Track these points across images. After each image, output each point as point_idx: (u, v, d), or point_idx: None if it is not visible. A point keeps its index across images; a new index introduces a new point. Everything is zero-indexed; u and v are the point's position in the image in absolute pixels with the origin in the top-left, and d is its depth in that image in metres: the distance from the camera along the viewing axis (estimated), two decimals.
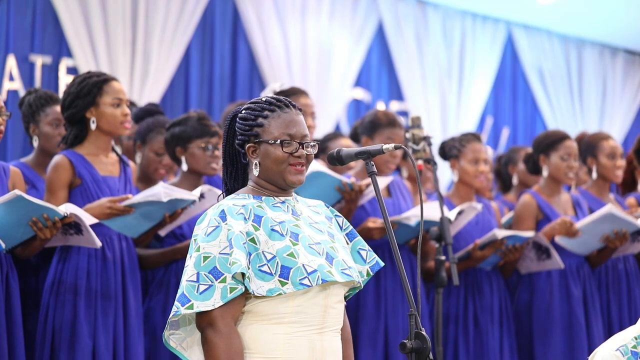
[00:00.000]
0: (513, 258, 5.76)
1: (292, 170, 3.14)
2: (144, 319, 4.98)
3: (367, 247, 3.31)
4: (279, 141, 3.12)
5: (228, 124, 3.23)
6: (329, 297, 3.10)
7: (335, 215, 3.31)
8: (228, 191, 3.24)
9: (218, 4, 9.05)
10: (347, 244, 3.28)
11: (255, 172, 3.16)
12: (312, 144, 3.19)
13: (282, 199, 3.19)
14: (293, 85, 6.01)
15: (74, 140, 4.80)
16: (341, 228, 3.30)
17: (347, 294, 3.28)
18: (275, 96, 3.22)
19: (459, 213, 5.55)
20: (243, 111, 3.19)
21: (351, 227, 3.32)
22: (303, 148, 3.15)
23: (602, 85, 12.32)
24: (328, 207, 3.33)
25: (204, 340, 2.99)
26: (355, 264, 3.25)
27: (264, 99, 3.21)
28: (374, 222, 5.45)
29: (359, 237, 3.31)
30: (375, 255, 3.31)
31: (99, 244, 4.46)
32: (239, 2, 9.10)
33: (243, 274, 2.99)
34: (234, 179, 3.25)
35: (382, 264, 3.30)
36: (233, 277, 2.97)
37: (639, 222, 5.75)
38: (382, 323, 5.54)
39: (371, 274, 3.28)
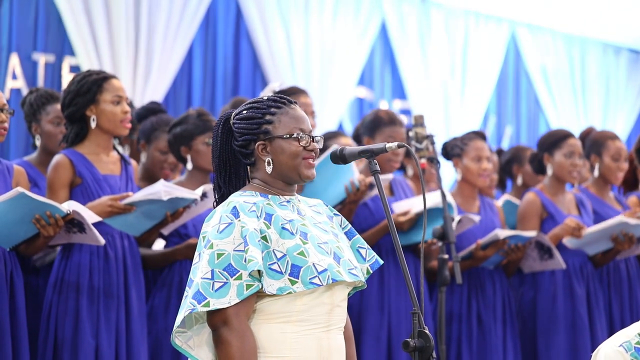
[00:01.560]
0: (515, 257, 5.76)
1: (306, 164, 3.15)
2: (147, 318, 4.98)
3: (366, 245, 3.31)
4: (295, 134, 3.13)
5: (220, 128, 3.21)
6: (334, 296, 3.10)
7: (335, 214, 3.31)
8: (223, 196, 3.22)
9: (221, 2, 9.05)
10: (347, 242, 3.28)
11: (268, 169, 3.16)
12: (317, 138, 3.21)
13: (287, 198, 3.19)
14: (293, 85, 6.01)
15: (75, 138, 4.80)
16: (341, 227, 3.30)
17: (349, 293, 3.29)
18: (275, 95, 3.24)
19: (457, 222, 5.55)
20: (243, 112, 3.19)
21: (350, 225, 3.32)
22: (313, 141, 3.17)
23: (605, 84, 12.30)
24: (327, 206, 3.33)
25: (218, 338, 2.98)
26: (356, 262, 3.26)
27: (265, 98, 3.21)
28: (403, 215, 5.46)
29: (358, 236, 3.31)
30: (375, 254, 3.32)
31: (102, 241, 4.46)
32: (242, 0, 9.09)
33: (260, 271, 2.99)
34: (228, 184, 3.23)
35: (381, 262, 3.31)
36: (250, 274, 2.96)
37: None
38: (385, 321, 5.53)
39: (370, 271, 3.28)
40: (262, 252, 3.00)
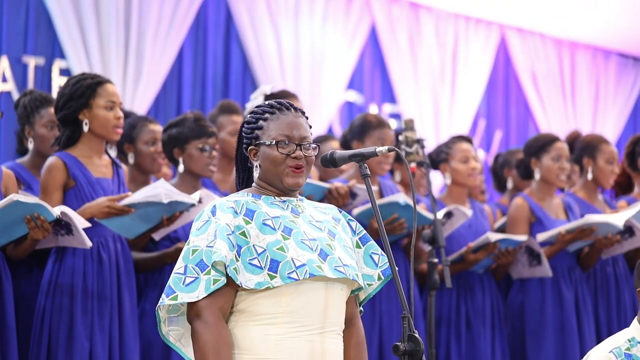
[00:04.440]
0: (506, 261, 5.77)
1: (290, 172, 3.15)
2: (138, 320, 4.98)
3: (379, 251, 3.30)
4: (274, 142, 3.14)
5: (239, 131, 3.26)
6: (326, 298, 3.10)
7: (349, 220, 3.31)
8: None
9: (211, 5, 9.04)
10: (360, 247, 3.28)
11: (255, 174, 3.19)
12: (312, 146, 3.20)
13: (284, 198, 3.20)
14: (283, 88, 6.02)
15: (67, 141, 4.79)
16: (354, 232, 3.30)
17: (360, 300, 3.31)
18: (278, 100, 3.25)
19: (448, 214, 5.56)
20: (248, 116, 3.24)
21: (364, 231, 3.31)
22: (301, 150, 3.16)
23: (594, 88, 12.32)
24: (341, 212, 3.33)
25: (192, 331, 3.01)
26: (366, 267, 3.26)
27: (265, 103, 3.24)
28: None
29: (372, 242, 3.31)
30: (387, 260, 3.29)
31: (89, 244, 4.45)
32: (232, 4, 9.10)
33: (226, 266, 3.00)
34: (245, 185, 3.29)
35: (394, 268, 3.29)
36: (213, 266, 2.99)
37: (616, 221, 5.74)
38: (376, 324, 5.54)
39: (382, 278, 3.27)
40: (236, 247, 3.02)
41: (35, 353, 4.59)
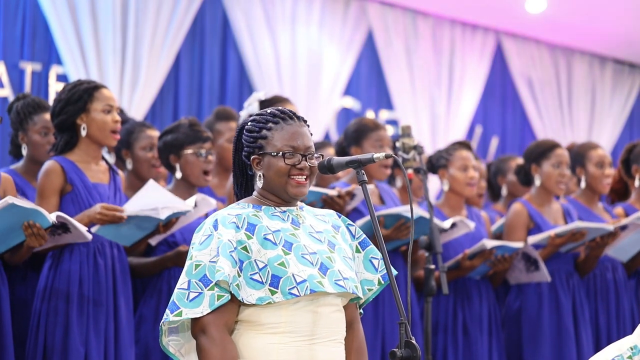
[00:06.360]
0: (502, 268, 5.77)
1: (293, 183, 3.15)
2: (135, 325, 4.97)
3: (379, 255, 3.30)
4: (281, 153, 3.14)
5: (237, 136, 3.25)
6: (321, 307, 3.10)
7: (348, 224, 3.32)
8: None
9: (208, 12, 9.04)
10: (360, 252, 3.29)
11: (259, 183, 3.19)
12: (316, 155, 3.20)
13: (284, 209, 3.20)
14: (277, 94, 6.02)
15: (64, 147, 4.79)
16: (354, 237, 3.30)
17: (360, 304, 3.31)
18: (280, 108, 3.24)
19: (452, 226, 5.56)
20: (249, 123, 3.22)
21: (364, 236, 3.32)
22: (306, 160, 3.17)
23: (591, 95, 12.33)
24: (340, 217, 3.33)
25: (198, 347, 3.02)
26: (366, 272, 3.27)
27: (268, 111, 3.23)
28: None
29: (372, 246, 3.31)
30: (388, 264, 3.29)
31: (89, 237, 4.46)
32: (229, 10, 9.10)
33: (228, 283, 3.01)
34: (244, 190, 3.28)
35: (394, 272, 3.26)
36: (217, 284, 2.99)
37: (607, 226, 5.79)
38: (379, 330, 5.54)
39: (382, 282, 3.28)
40: (238, 262, 3.03)
41: (31, 358, 4.58)
